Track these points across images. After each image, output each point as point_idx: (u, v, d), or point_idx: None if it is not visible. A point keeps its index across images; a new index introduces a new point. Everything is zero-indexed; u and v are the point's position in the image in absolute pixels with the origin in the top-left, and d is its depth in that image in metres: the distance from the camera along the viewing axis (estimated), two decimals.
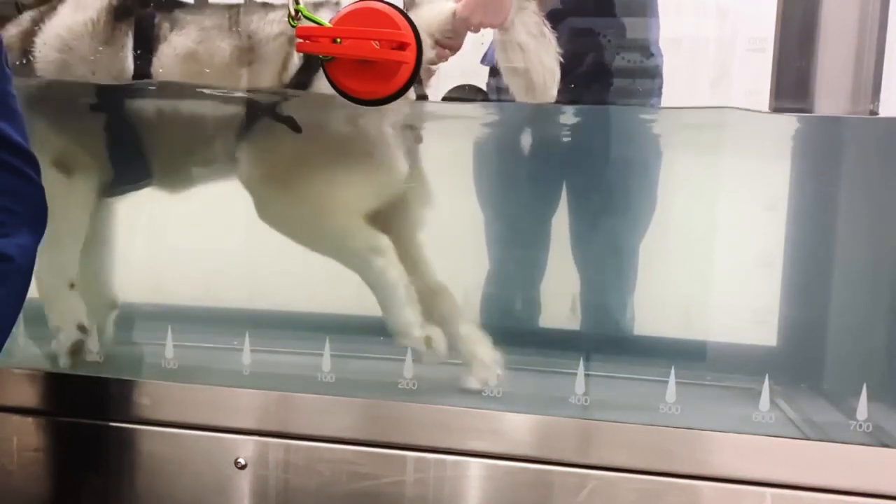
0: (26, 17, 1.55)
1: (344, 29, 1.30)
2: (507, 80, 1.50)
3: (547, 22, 1.47)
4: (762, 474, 1.29)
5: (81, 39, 1.51)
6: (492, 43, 1.58)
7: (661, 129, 1.79)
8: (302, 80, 1.46)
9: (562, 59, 1.47)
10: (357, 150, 1.54)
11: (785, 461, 1.29)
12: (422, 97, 1.53)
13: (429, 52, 1.47)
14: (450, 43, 1.51)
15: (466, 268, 1.83)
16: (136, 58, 1.50)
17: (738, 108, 1.52)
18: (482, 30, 1.50)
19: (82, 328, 1.61)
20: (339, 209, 1.55)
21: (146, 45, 1.50)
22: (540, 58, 1.46)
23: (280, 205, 1.55)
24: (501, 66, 1.50)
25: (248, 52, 1.49)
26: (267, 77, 1.49)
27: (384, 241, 1.53)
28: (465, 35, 1.52)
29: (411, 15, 1.42)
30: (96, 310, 1.68)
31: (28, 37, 1.52)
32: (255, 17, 1.50)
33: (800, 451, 1.30)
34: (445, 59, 1.53)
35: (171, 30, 1.51)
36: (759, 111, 1.51)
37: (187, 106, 1.58)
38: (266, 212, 1.55)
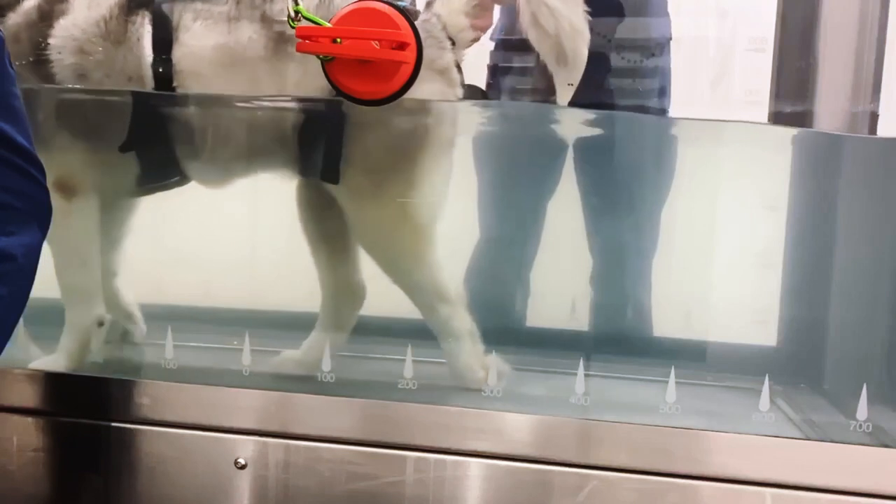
0: (32, 6, 1.48)
1: (344, 29, 1.30)
2: (537, 47, 1.45)
3: None
4: (762, 474, 1.29)
5: (94, 40, 1.46)
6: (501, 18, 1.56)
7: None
8: None
9: (590, 17, 1.43)
10: (441, 155, 1.53)
11: (785, 461, 1.29)
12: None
13: (466, 33, 1.47)
14: (479, 23, 1.48)
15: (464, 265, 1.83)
16: (154, 55, 1.45)
17: (738, 122, 1.53)
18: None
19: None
20: (423, 231, 1.53)
21: (165, 40, 1.45)
22: (569, 19, 1.41)
23: (372, 225, 1.54)
24: (529, 34, 1.44)
25: (287, 44, 1.43)
26: (312, 75, 1.41)
27: (452, 289, 1.53)
28: (492, 8, 1.50)
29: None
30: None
31: (36, 30, 1.46)
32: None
33: (800, 451, 1.30)
34: (478, 38, 1.51)
35: (195, 20, 1.46)
36: (759, 122, 1.52)
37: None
38: (361, 232, 1.55)
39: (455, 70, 1.47)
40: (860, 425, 1.33)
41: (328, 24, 1.30)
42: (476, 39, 1.51)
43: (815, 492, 1.27)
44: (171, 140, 1.54)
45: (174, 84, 1.46)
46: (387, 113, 1.45)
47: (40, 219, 1.14)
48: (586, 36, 1.43)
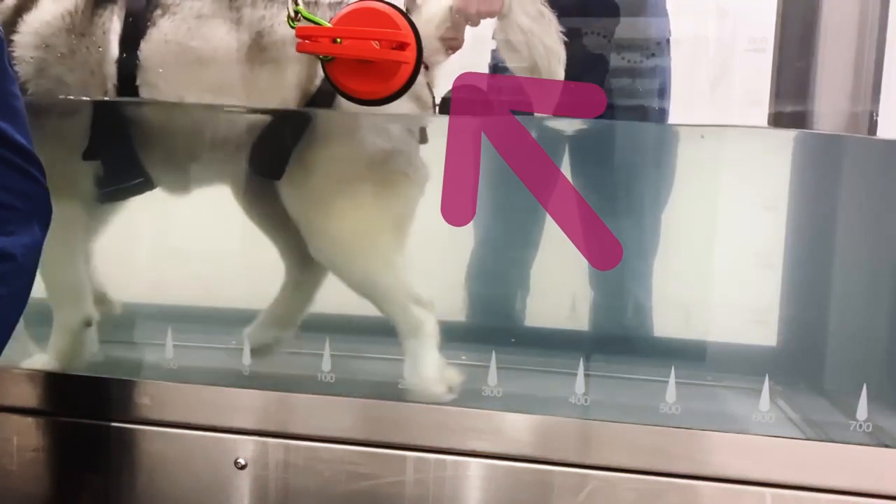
0: (8, 6, 1.46)
1: (344, 29, 1.30)
2: (512, 68, 1.47)
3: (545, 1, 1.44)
4: (762, 474, 1.29)
5: (59, 34, 1.45)
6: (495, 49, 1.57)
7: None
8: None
9: (565, 38, 1.44)
10: (392, 168, 1.50)
11: (785, 461, 1.29)
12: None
13: (439, 55, 1.47)
14: (452, 43, 1.50)
15: (457, 266, 1.83)
16: (120, 50, 1.44)
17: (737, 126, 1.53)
18: (482, 22, 1.46)
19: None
20: (384, 241, 1.51)
21: (132, 35, 1.44)
22: (542, 40, 1.43)
23: (324, 235, 1.52)
24: (504, 55, 1.47)
25: (260, 53, 1.44)
26: (287, 83, 1.44)
27: (425, 294, 1.51)
28: (464, 30, 1.51)
29: (412, 18, 1.42)
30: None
31: (7, 29, 1.44)
32: (266, 14, 1.44)
33: (800, 451, 1.30)
34: (447, 58, 1.51)
35: (163, 15, 1.45)
36: (759, 126, 1.52)
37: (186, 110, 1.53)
38: (316, 243, 1.52)
39: (427, 90, 1.47)
40: (860, 425, 1.33)
41: (328, 24, 1.30)
42: (447, 58, 1.51)
43: (815, 492, 1.27)
44: (131, 143, 1.52)
45: (137, 82, 1.44)
46: (351, 123, 1.46)
47: (40, 219, 1.14)
48: (561, 56, 1.44)
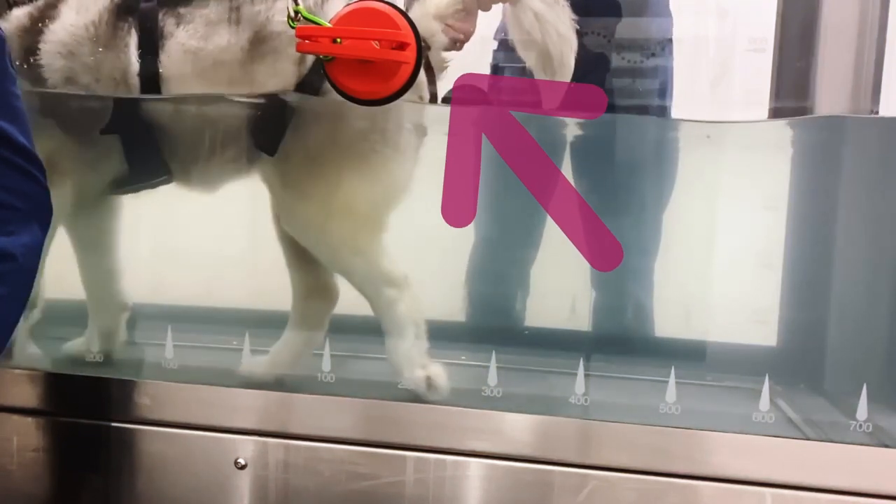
0: (22, 13, 1.49)
1: (344, 29, 1.30)
2: (523, 54, 1.46)
3: None
4: (762, 474, 1.29)
5: (84, 44, 1.47)
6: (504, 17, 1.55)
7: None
8: (320, 73, 1.39)
9: (577, 27, 1.44)
10: (378, 151, 1.50)
11: (785, 461, 1.29)
12: (433, 96, 1.48)
13: (441, 38, 1.45)
14: (462, 27, 1.48)
15: (452, 266, 1.84)
16: (140, 58, 1.46)
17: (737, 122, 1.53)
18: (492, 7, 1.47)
19: None
20: (362, 222, 1.50)
21: (150, 44, 1.46)
22: (556, 27, 1.42)
23: (302, 212, 1.52)
24: (516, 41, 1.46)
25: (260, 45, 1.45)
26: (282, 70, 1.45)
27: (401, 273, 1.49)
28: (476, 15, 1.49)
29: (419, 4, 1.42)
30: (106, 312, 1.68)
31: (28, 36, 1.48)
32: (261, 8, 1.46)
33: (800, 451, 1.30)
34: (460, 46, 1.50)
35: (177, 25, 1.47)
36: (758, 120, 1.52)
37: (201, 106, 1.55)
38: (288, 219, 1.53)
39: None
40: (860, 425, 1.33)
41: (328, 24, 1.30)
42: (457, 44, 1.50)
43: (815, 492, 1.27)
44: (151, 137, 1.54)
45: (161, 90, 1.47)
46: (335, 108, 1.45)
47: (41, 219, 1.14)
48: (573, 43, 1.44)
